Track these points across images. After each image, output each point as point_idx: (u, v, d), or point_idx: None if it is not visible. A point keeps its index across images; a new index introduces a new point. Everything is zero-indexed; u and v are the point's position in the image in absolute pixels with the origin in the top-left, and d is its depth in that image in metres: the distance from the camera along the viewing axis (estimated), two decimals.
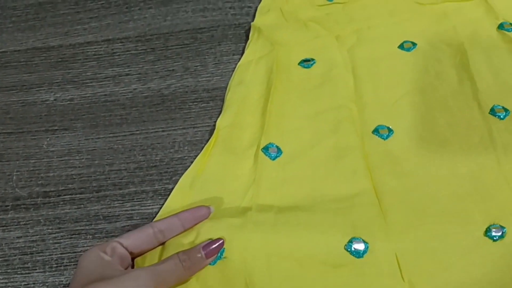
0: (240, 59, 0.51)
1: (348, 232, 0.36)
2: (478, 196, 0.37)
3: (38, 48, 0.59)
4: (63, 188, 0.43)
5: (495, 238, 0.35)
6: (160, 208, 0.40)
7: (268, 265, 0.35)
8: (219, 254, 0.35)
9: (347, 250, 0.35)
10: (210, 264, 0.34)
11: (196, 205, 0.38)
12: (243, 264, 0.34)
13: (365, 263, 0.35)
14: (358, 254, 0.35)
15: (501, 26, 0.49)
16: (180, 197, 0.41)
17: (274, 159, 0.42)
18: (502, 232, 0.35)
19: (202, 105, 0.47)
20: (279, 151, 0.42)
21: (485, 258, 0.34)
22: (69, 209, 0.42)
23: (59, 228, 0.40)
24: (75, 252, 0.39)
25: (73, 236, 0.40)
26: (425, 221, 0.36)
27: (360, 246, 0.35)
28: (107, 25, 0.59)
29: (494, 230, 0.35)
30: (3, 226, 0.42)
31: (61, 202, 0.42)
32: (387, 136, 0.42)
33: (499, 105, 0.42)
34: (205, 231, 0.36)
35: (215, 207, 0.39)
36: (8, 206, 0.43)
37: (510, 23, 0.49)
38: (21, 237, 0.41)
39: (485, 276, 0.33)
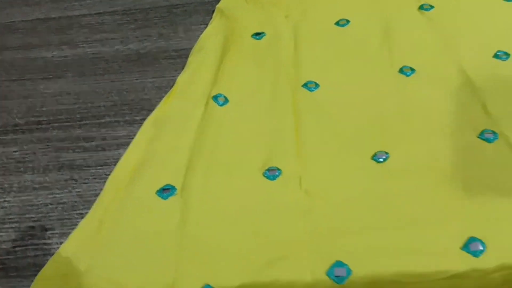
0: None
1: (266, 161, 0.46)
2: (376, 128, 0.48)
3: (41, 19, 0.70)
4: (53, 118, 0.54)
5: (379, 161, 0.45)
6: (128, 134, 0.50)
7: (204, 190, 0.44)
8: (171, 191, 0.44)
9: (264, 176, 0.45)
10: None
11: (157, 138, 0.49)
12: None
13: (282, 188, 0.45)
14: (273, 177, 0.45)
15: (421, 7, 0.61)
16: (146, 132, 0.51)
17: (221, 106, 0.53)
18: (386, 157, 0.45)
19: (171, 61, 0.58)
20: (226, 100, 0.53)
21: (370, 177, 0.44)
22: (56, 132, 0.52)
23: (47, 145, 0.51)
24: (58, 161, 0.49)
25: (58, 150, 0.50)
26: (329, 153, 0.47)
27: (276, 174, 0.45)
28: (99, 2, 0.71)
29: (379, 154, 0.45)
30: (3, 144, 0.52)
31: (51, 128, 0.52)
32: (314, 89, 0.53)
33: (407, 66, 0.53)
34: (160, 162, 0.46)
35: (172, 142, 0.49)
36: (8, 130, 0.53)
37: (429, 4, 0.61)
38: (17, 151, 0.51)
39: (368, 191, 0.43)
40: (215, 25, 0.62)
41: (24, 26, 0.69)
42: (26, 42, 0.66)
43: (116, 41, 0.62)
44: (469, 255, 0.37)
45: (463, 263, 0.37)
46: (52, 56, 0.62)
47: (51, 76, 0.59)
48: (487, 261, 0.37)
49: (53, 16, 0.70)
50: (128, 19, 0.66)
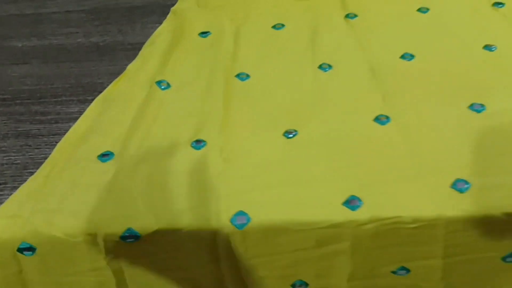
0: None
1: (194, 134, 0.54)
2: (290, 112, 0.56)
3: (16, 14, 0.78)
4: (16, 96, 0.61)
5: (289, 137, 0.53)
6: (79, 110, 0.58)
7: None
8: (109, 156, 0.51)
9: (191, 146, 0.53)
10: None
11: (103, 113, 0.56)
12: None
13: (204, 156, 0.52)
14: (199, 148, 0.53)
15: (347, 15, 0.69)
16: (95, 108, 0.59)
17: (163, 90, 0.60)
18: (294, 134, 0.53)
19: (125, 52, 0.66)
20: (168, 85, 0.61)
21: (278, 149, 0.52)
22: (18, 108, 0.59)
23: (9, 118, 0.58)
24: (16, 131, 0.56)
25: (17, 122, 0.57)
26: (248, 130, 0.54)
27: (202, 144, 0.53)
28: (70, 1, 0.79)
29: (289, 131, 0.53)
30: None
31: (13, 104, 0.60)
32: (245, 79, 0.61)
33: (326, 63, 0.62)
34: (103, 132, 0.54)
35: (115, 116, 0.56)
36: None
37: (354, 14, 0.69)
38: None
39: (273, 159, 0.51)
40: (167, 24, 0.70)
41: (0, 20, 0.77)
42: (1, 33, 0.74)
43: (79, 35, 0.70)
44: (348, 209, 0.45)
45: (343, 215, 0.45)
46: (22, 46, 0.70)
47: (18, 62, 0.67)
48: (362, 214, 0.45)
49: (27, 12, 0.78)
50: (93, 17, 0.74)
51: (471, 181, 0.45)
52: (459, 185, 0.45)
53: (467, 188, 0.45)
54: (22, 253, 0.45)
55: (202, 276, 0.48)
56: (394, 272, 0.49)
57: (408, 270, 0.48)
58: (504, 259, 0.47)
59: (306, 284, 0.50)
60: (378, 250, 0.46)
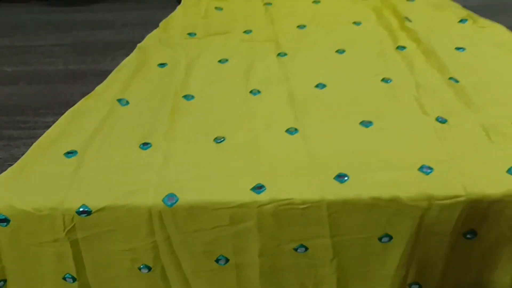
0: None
1: (144, 138, 0.67)
2: (222, 124, 0.69)
3: (8, 46, 0.93)
4: (3, 109, 0.75)
5: (218, 142, 0.66)
6: (54, 120, 0.71)
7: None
8: (74, 154, 0.64)
9: (140, 147, 0.66)
10: None
11: (72, 122, 0.69)
12: None
13: (148, 155, 0.65)
14: (145, 148, 0.66)
15: (279, 54, 0.85)
16: (65, 118, 0.71)
17: (123, 106, 0.74)
18: (222, 140, 0.67)
19: (97, 78, 0.78)
20: (127, 102, 0.75)
21: (206, 152, 0.65)
22: (3, 117, 0.72)
23: None
24: (1, 135, 0.69)
25: (1, 129, 0.70)
26: (186, 137, 0.67)
27: (148, 146, 0.66)
28: (54, 37, 0.94)
29: (218, 138, 0.67)
30: None
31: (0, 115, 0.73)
32: (190, 99, 0.75)
33: (255, 89, 0.76)
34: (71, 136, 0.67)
35: (81, 125, 0.70)
36: None
37: (284, 52, 0.85)
38: None
39: (199, 158, 0.64)
40: (133, 56, 0.85)
41: None
42: None
43: (59, 63, 0.85)
44: (254, 193, 0.58)
45: (249, 198, 0.58)
46: (11, 71, 0.84)
47: (7, 83, 0.81)
48: (264, 197, 0.58)
49: (17, 44, 0.92)
50: (72, 49, 0.89)
51: (350, 175, 0.59)
52: (340, 178, 0.59)
53: (346, 180, 0.59)
54: None
55: (141, 247, 0.61)
56: (295, 249, 0.61)
57: (306, 248, 0.61)
58: (380, 239, 0.60)
59: (227, 259, 0.62)
60: (279, 228, 0.59)
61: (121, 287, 0.64)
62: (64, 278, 0.63)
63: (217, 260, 0.62)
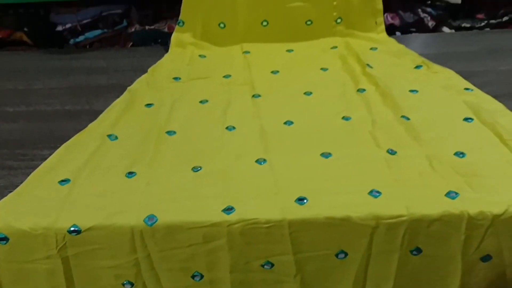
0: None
1: (129, 167, 0.75)
2: (196, 155, 0.78)
3: (10, 89, 1.02)
4: (4, 144, 0.83)
5: (195, 171, 0.75)
6: (50, 153, 0.79)
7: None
8: (67, 181, 0.73)
9: (125, 176, 0.75)
10: None
11: (65, 155, 0.78)
12: None
13: (133, 182, 0.73)
14: (131, 176, 0.74)
15: (254, 95, 0.95)
16: (60, 151, 0.80)
17: (112, 140, 0.83)
18: (199, 169, 0.75)
19: (89, 116, 0.88)
20: (116, 137, 0.84)
21: (183, 179, 0.74)
22: (4, 151, 0.81)
23: None
24: (2, 165, 0.77)
25: (3, 160, 0.79)
26: (166, 166, 0.76)
27: (133, 175, 0.74)
28: (54, 81, 1.04)
29: (195, 168, 0.75)
30: None
31: (1, 148, 0.82)
32: (172, 134, 0.84)
33: (231, 125, 0.86)
34: (64, 167, 0.76)
35: (74, 157, 0.78)
36: None
37: (258, 94, 0.95)
38: None
39: (176, 184, 0.73)
40: (123, 98, 0.94)
41: None
42: None
43: (57, 104, 0.94)
44: (224, 214, 0.66)
45: (220, 218, 0.66)
46: (13, 111, 0.93)
47: (8, 122, 0.90)
48: (233, 217, 0.66)
49: (19, 88, 1.02)
50: (69, 92, 0.98)
51: (309, 198, 0.68)
52: (300, 200, 0.67)
53: (305, 202, 0.67)
54: None
55: (125, 264, 0.68)
56: (262, 266, 0.69)
57: (272, 264, 0.69)
58: (336, 256, 0.68)
59: (202, 276, 0.70)
60: (247, 246, 0.67)
61: None
62: None
63: (193, 276, 0.69)
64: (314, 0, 1.10)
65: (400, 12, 1.86)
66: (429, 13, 1.86)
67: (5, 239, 0.66)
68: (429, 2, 1.84)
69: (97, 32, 1.88)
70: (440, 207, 0.65)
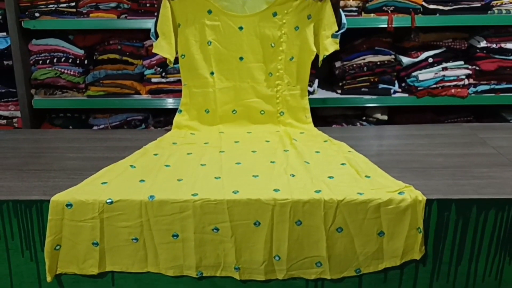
0: None
1: (141, 178, 1.29)
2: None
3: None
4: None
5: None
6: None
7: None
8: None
9: (140, 182, 1.27)
10: None
11: (106, 173, 1.33)
12: None
13: (142, 184, 1.26)
14: (142, 182, 1.27)
15: (220, 152, 1.51)
16: (102, 172, 1.34)
17: (132, 168, 1.37)
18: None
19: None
20: (135, 167, 1.38)
21: None
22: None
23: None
24: None
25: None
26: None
27: (143, 181, 1.28)
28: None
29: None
30: None
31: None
32: (168, 166, 1.38)
33: (218, 175, 1.40)
34: None
35: (111, 175, 1.32)
36: None
37: (223, 151, 1.51)
38: None
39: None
40: (139, 151, 1.49)
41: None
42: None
43: (99, 153, 1.50)
44: (192, 196, 1.19)
45: (187, 197, 1.19)
46: (72, 155, 1.49)
47: (71, 160, 1.45)
48: (196, 198, 1.18)
49: (75, 146, 1.59)
50: (107, 149, 1.55)
51: (240, 190, 1.21)
52: (234, 192, 1.21)
53: (238, 192, 1.20)
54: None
55: (134, 225, 1.19)
56: (212, 230, 1.20)
57: (218, 229, 1.20)
58: (254, 224, 1.19)
59: (178, 235, 1.20)
60: (204, 216, 1.19)
61: (120, 251, 1.20)
62: (93, 244, 1.19)
63: (173, 236, 1.20)
64: (265, 98, 1.70)
65: (344, 124, 2.52)
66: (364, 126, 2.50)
67: (70, 205, 1.18)
68: (364, 118, 2.51)
69: None
70: (311, 196, 1.18)
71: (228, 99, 1.69)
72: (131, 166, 1.36)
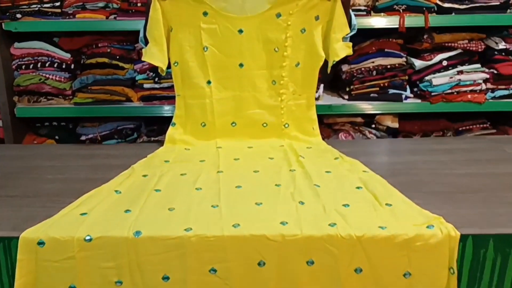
0: None
1: (127, 207, 1.12)
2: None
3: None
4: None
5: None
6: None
7: None
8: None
9: (125, 212, 1.11)
10: None
11: (85, 203, 1.15)
12: None
13: (128, 215, 1.10)
14: (127, 212, 1.11)
15: (219, 172, 1.34)
16: (81, 200, 1.17)
17: (117, 194, 1.20)
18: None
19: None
20: (120, 192, 1.20)
21: None
22: None
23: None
24: None
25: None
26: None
27: (129, 211, 1.11)
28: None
29: None
30: None
31: None
32: (158, 191, 1.21)
33: (199, 187, 1.23)
34: None
35: (91, 204, 1.15)
36: None
37: (221, 170, 1.34)
38: None
39: None
40: (127, 171, 1.32)
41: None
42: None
43: (82, 175, 1.33)
44: (184, 232, 1.01)
45: (181, 233, 1.01)
46: (51, 177, 1.32)
47: (49, 183, 1.28)
48: (191, 233, 1.01)
49: (57, 165, 1.42)
50: (91, 168, 1.37)
51: (241, 224, 1.03)
52: (235, 225, 1.03)
53: (239, 226, 1.02)
54: None
55: (117, 265, 1.01)
56: (209, 271, 1.02)
57: (215, 270, 1.02)
58: (259, 264, 1.02)
59: (169, 278, 1.02)
60: (198, 254, 1.01)
61: None
62: None
63: (163, 278, 1.02)
64: (268, 109, 1.54)
65: (352, 132, 2.34)
66: (374, 134, 2.34)
67: (43, 243, 1.00)
68: (374, 126, 2.33)
69: (112, 141, 2.34)
70: (324, 231, 1.00)
71: (227, 111, 1.52)
72: (116, 191, 1.19)
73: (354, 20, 1.50)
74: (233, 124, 1.54)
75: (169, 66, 1.48)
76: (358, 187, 1.21)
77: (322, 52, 1.47)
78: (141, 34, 1.49)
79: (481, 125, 2.34)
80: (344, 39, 1.46)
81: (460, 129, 2.35)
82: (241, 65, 1.50)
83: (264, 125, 1.54)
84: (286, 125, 1.54)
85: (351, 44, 1.46)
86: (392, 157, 1.47)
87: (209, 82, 1.50)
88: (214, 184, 1.24)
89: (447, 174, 1.31)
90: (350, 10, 1.48)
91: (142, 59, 1.45)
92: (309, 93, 1.53)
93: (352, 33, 1.48)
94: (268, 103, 1.52)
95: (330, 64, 1.48)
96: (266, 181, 1.26)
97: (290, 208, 1.10)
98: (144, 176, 1.30)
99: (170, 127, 1.55)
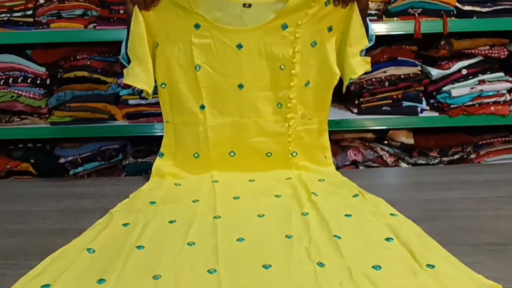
0: None
1: (100, 275, 0.89)
2: None
3: (10, 210, 1.19)
4: (2, 255, 0.97)
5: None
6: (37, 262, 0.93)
7: None
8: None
9: (97, 283, 0.88)
10: None
11: (51, 265, 0.92)
12: None
13: (101, 286, 0.87)
14: (100, 282, 0.87)
15: (215, 217, 1.11)
16: (45, 262, 0.94)
17: (90, 253, 0.97)
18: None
19: (74, 234, 1.04)
20: (94, 251, 0.97)
21: None
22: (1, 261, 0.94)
23: None
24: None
25: None
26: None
27: (103, 281, 0.88)
28: (48, 204, 1.21)
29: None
30: None
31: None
32: (141, 248, 0.98)
33: (191, 241, 1.00)
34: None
35: (57, 269, 0.92)
36: None
37: (219, 215, 1.11)
38: None
39: None
40: (105, 218, 1.08)
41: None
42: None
43: (49, 223, 1.09)
44: None
45: None
46: (11, 228, 1.08)
47: (7, 237, 1.04)
48: None
49: (19, 209, 1.18)
50: (61, 213, 1.14)
51: None
52: None
53: None
54: None
55: None
56: None
57: None
58: None
59: None
60: None
61: None
62: None
63: None
64: (272, 136, 1.31)
65: (362, 149, 2.11)
66: (387, 151, 2.11)
67: None
68: (386, 142, 2.10)
69: (95, 164, 2.11)
70: None
71: (224, 139, 1.29)
72: (88, 249, 0.96)
73: (371, 30, 1.27)
74: (232, 154, 1.31)
75: (156, 89, 1.24)
76: (387, 239, 0.98)
77: (337, 68, 1.24)
78: (123, 51, 1.26)
79: (503, 139, 2.13)
80: (361, 52, 1.23)
81: (480, 143, 2.14)
82: (240, 86, 1.27)
83: (268, 154, 1.31)
84: (294, 154, 1.32)
85: (369, 59, 1.23)
86: (421, 192, 1.24)
87: (202, 107, 1.27)
88: (210, 236, 1.01)
89: (493, 217, 1.08)
90: (367, 19, 1.25)
91: (124, 81, 1.21)
92: (321, 116, 1.31)
93: (370, 44, 1.26)
94: (273, 129, 1.29)
95: (345, 83, 1.25)
96: (274, 231, 1.03)
97: (307, 272, 0.88)
98: (125, 225, 1.07)
99: (158, 158, 1.32)
